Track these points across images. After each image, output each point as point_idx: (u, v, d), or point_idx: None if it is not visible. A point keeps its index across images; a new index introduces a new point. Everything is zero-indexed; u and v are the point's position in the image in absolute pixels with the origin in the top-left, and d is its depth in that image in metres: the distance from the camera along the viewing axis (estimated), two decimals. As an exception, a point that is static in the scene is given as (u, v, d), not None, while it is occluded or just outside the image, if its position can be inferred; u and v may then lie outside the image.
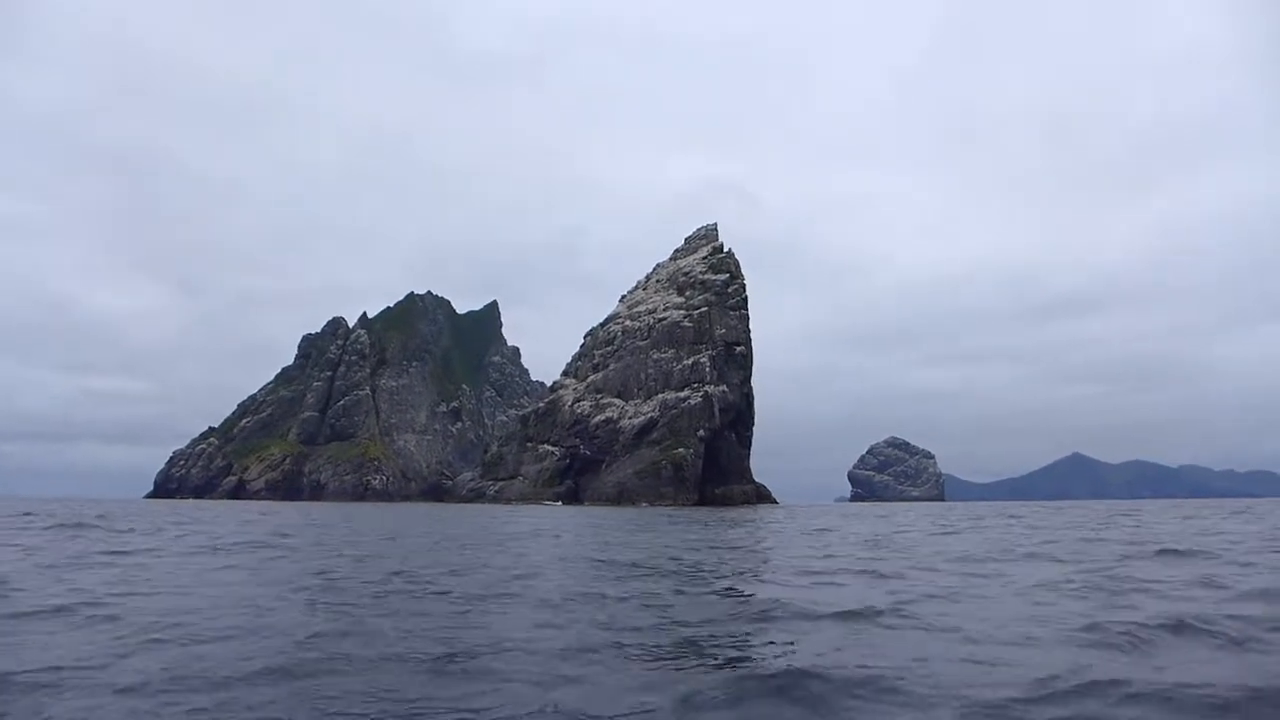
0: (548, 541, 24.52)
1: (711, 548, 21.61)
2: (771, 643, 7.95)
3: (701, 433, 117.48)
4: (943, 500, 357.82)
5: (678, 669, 6.83)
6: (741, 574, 14.89)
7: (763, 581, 13.76)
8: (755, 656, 7.34)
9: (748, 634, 8.45)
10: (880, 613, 9.37)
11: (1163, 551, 17.88)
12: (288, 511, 64.19)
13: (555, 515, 55.00)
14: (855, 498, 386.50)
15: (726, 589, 12.32)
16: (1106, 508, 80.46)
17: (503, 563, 16.52)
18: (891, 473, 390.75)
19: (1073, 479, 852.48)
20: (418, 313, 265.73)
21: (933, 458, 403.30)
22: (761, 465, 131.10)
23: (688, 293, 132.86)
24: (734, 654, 7.46)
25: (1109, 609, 9.61)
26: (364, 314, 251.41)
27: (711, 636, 8.25)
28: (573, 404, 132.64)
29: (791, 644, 7.85)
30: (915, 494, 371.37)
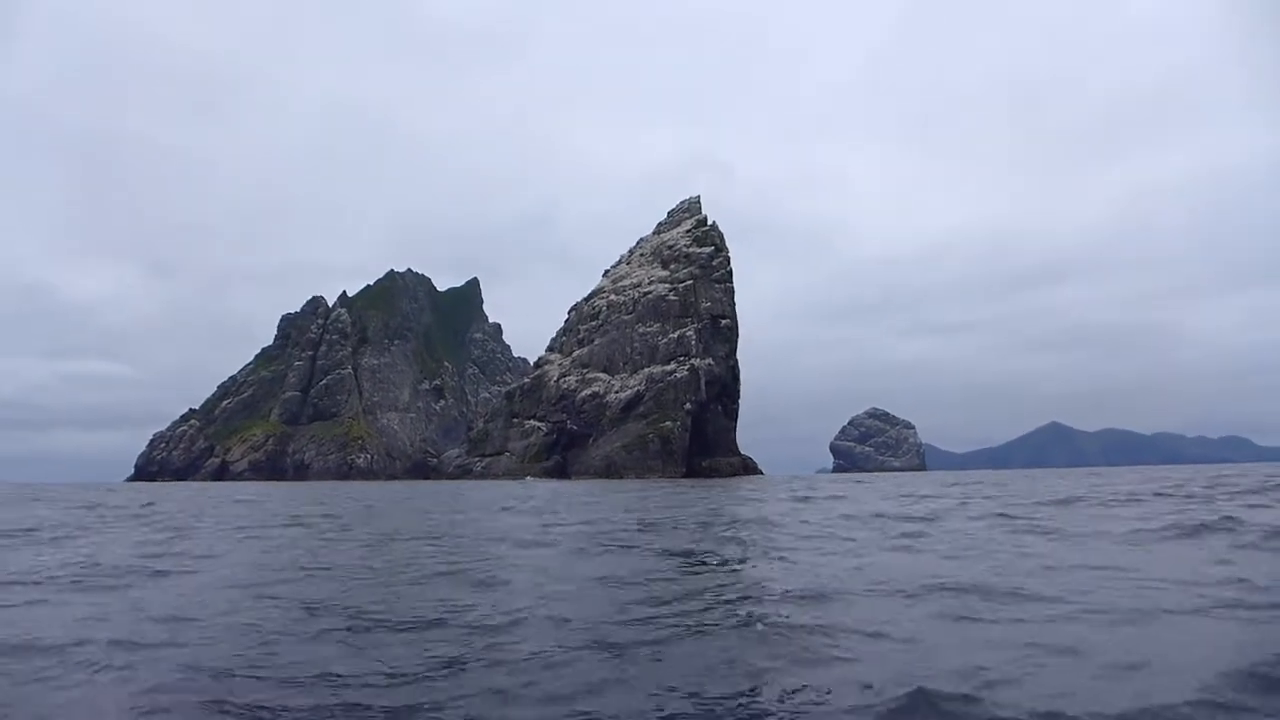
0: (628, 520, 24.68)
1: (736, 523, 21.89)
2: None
3: (688, 406, 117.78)
4: (924, 470, 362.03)
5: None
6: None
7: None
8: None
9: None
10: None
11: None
12: (303, 490, 63.93)
13: (570, 491, 55.01)
14: (837, 469, 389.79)
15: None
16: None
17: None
18: (873, 444, 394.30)
19: (1050, 447, 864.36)
20: (398, 290, 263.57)
21: (913, 428, 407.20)
22: (743, 437, 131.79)
23: (672, 266, 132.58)
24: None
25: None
26: (344, 293, 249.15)
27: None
28: (558, 379, 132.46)
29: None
30: (896, 464, 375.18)
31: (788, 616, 7.45)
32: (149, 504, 34.40)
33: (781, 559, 12.01)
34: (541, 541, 14.91)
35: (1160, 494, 26.13)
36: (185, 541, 15.93)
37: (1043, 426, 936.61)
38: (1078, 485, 37.59)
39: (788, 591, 8.68)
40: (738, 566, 11.37)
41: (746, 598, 8.57)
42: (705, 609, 7.91)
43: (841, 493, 36.69)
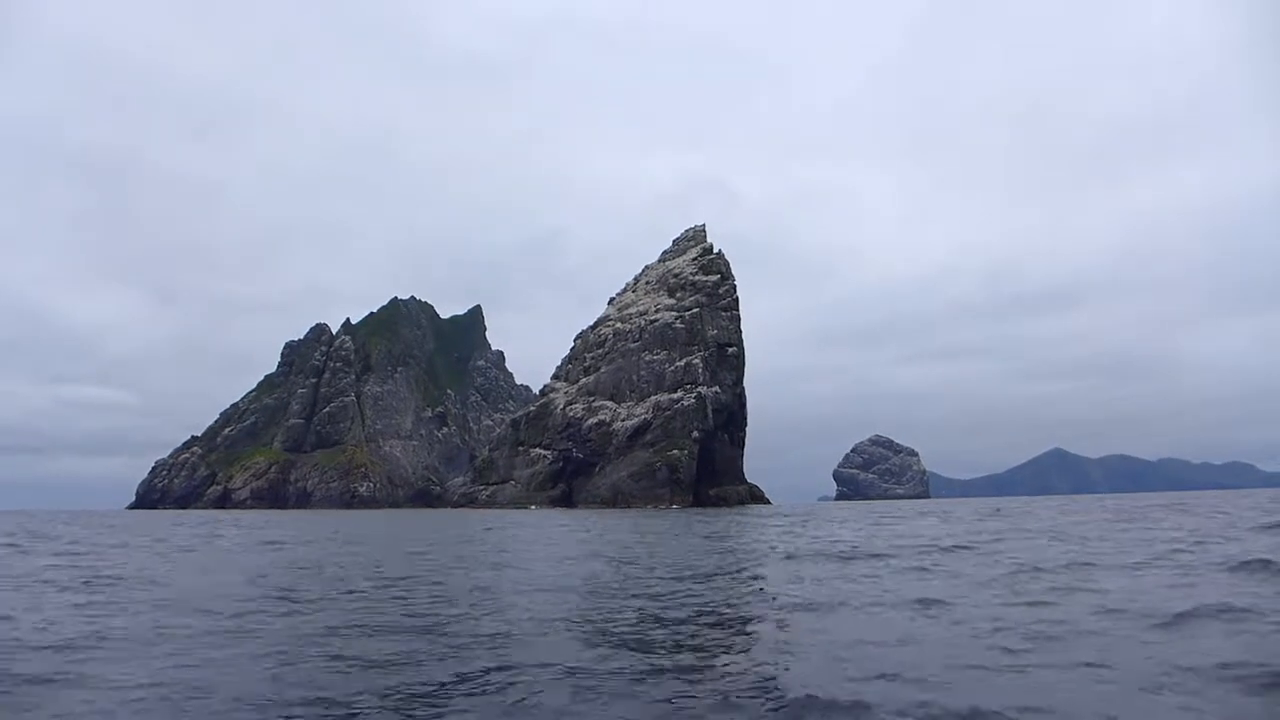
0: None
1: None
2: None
3: (696, 434, 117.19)
4: (927, 497, 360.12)
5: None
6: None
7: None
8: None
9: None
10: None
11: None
12: (323, 521, 63.17)
13: (583, 523, 54.36)
14: (840, 496, 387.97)
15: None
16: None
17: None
18: (876, 470, 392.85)
19: (1054, 474, 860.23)
20: (401, 318, 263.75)
21: (916, 455, 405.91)
22: (745, 465, 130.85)
23: (678, 294, 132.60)
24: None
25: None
26: (347, 320, 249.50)
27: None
28: (564, 407, 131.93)
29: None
30: (900, 492, 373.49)
31: None
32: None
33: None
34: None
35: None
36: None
37: (1046, 453, 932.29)
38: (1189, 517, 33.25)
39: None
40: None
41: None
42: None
43: (936, 535, 26.67)
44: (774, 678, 7.20)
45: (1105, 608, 10.35)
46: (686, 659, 8.00)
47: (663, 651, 8.30)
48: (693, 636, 9.27)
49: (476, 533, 36.79)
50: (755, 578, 15.47)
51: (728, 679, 7.20)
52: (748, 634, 9.53)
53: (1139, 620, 9.43)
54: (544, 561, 19.65)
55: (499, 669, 7.57)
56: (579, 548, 24.83)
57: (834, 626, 9.68)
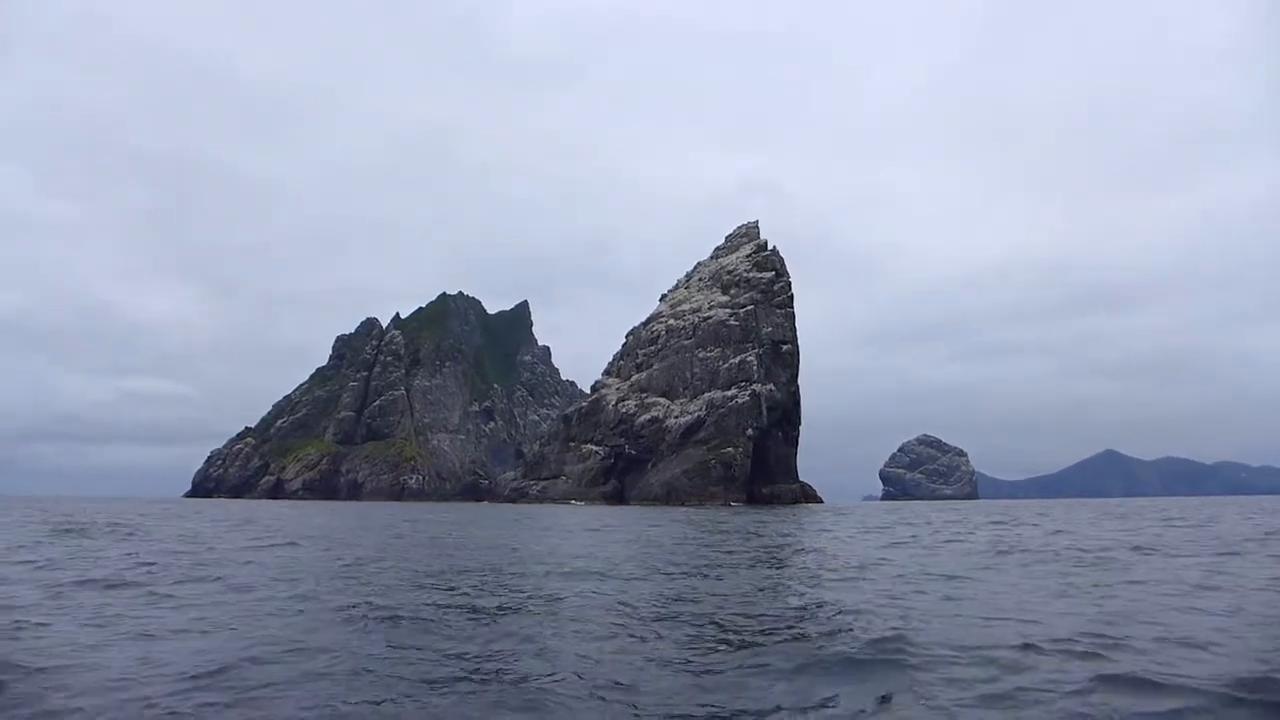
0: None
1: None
2: None
3: (750, 432, 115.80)
4: (976, 499, 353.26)
5: None
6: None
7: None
8: None
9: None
10: None
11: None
12: (394, 510, 63.45)
13: (666, 520, 53.44)
14: (886, 496, 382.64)
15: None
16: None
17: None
18: (924, 471, 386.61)
19: (1105, 476, 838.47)
20: (450, 313, 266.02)
21: (965, 455, 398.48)
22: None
23: (732, 291, 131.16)
24: None
25: None
26: (397, 314, 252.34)
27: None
28: (616, 403, 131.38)
29: None
30: (948, 492, 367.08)
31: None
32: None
33: None
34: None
35: None
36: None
37: (1098, 454, 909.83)
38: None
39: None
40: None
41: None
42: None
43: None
44: None
45: None
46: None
47: None
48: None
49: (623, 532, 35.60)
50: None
51: None
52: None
53: None
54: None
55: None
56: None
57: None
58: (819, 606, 11.01)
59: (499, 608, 10.82)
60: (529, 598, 11.83)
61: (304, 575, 14.62)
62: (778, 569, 16.96)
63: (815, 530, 34.41)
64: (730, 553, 20.98)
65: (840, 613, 10.34)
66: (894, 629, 8.77)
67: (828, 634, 8.84)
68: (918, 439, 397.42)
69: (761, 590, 13.01)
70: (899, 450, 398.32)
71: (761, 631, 9.13)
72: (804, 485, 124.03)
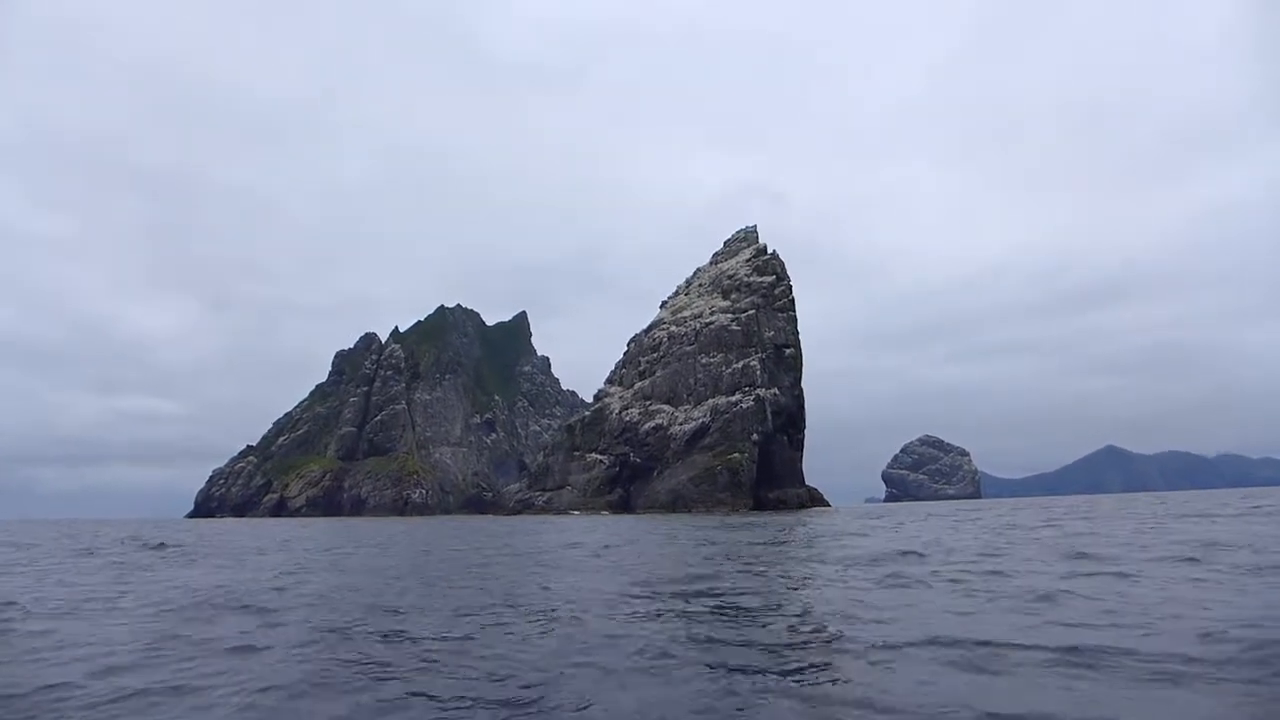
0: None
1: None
2: None
3: (755, 436, 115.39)
4: (979, 498, 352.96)
5: None
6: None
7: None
8: None
9: None
10: None
11: None
12: (406, 527, 62.87)
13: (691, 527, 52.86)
14: (889, 498, 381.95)
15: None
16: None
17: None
18: (926, 471, 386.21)
19: (1107, 471, 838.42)
20: (448, 325, 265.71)
21: (967, 455, 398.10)
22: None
23: (733, 296, 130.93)
24: None
25: None
26: (395, 328, 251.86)
27: None
28: (620, 411, 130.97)
29: None
30: (951, 492, 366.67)
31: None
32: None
33: None
34: None
35: None
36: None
37: (1099, 450, 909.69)
38: None
39: None
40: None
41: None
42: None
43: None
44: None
45: None
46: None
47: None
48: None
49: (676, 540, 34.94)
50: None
51: None
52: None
53: None
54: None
55: None
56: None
57: None
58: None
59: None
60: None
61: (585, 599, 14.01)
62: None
63: (890, 535, 33.77)
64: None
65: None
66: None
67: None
68: (919, 439, 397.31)
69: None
70: (901, 451, 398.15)
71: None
72: (811, 489, 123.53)
